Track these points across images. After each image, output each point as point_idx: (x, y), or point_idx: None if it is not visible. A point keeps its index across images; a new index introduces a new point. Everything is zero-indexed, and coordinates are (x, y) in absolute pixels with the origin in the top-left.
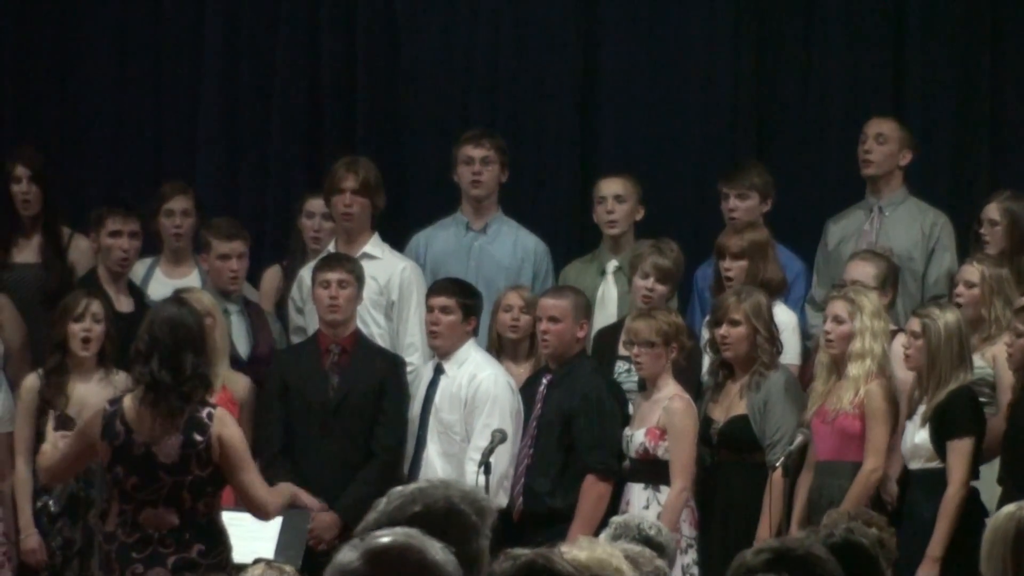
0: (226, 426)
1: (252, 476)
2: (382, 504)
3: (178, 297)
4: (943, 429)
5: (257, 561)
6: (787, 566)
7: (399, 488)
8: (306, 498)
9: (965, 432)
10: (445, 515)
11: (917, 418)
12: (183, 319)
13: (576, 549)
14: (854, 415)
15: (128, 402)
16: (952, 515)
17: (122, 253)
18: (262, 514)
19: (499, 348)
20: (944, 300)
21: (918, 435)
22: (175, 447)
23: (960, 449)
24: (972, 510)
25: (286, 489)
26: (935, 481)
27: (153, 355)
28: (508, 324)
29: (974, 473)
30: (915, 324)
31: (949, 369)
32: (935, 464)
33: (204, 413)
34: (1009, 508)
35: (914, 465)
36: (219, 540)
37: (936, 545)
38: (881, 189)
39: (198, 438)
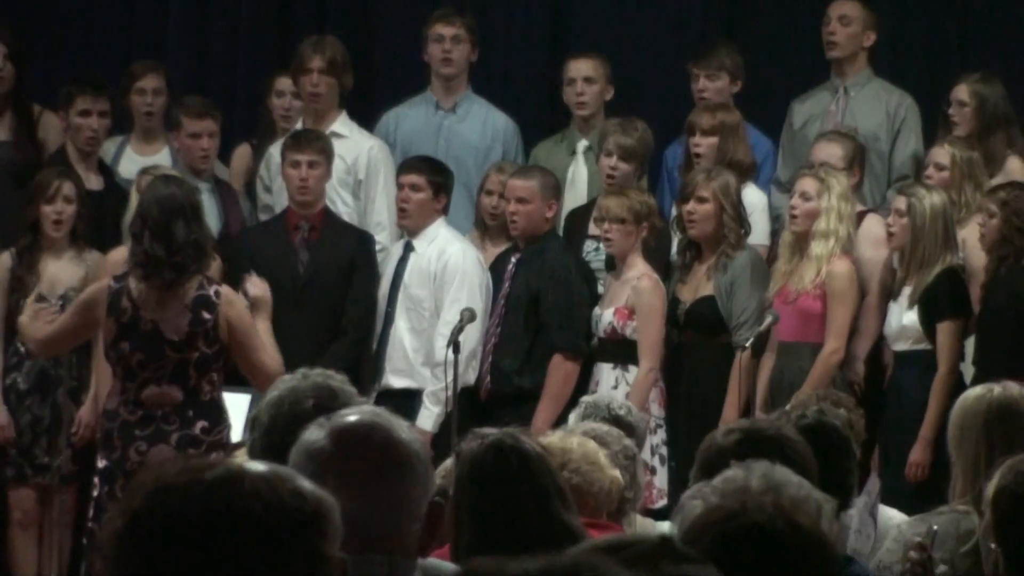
0: (233, 306)
1: (260, 354)
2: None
3: (165, 174)
4: (931, 311)
5: (239, 445)
6: (757, 447)
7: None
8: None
9: (953, 314)
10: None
11: (903, 300)
12: (171, 192)
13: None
14: (815, 295)
15: (133, 280)
16: (943, 396)
17: (91, 132)
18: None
19: (483, 226)
20: (911, 180)
21: (905, 316)
22: (183, 324)
23: (949, 330)
24: (960, 391)
25: (259, 314)
26: (923, 362)
27: (144, 232)
28: (488, 210)
29: (962, 354)
30: (900, 202)
31: (934, 250)
32: (922, 346)
33: (212, 291)
34: (977, 390)
35: (900, 347)
36: (221, 418)
37: (929, 427)
38: (846, 70)
39: (206, 316)
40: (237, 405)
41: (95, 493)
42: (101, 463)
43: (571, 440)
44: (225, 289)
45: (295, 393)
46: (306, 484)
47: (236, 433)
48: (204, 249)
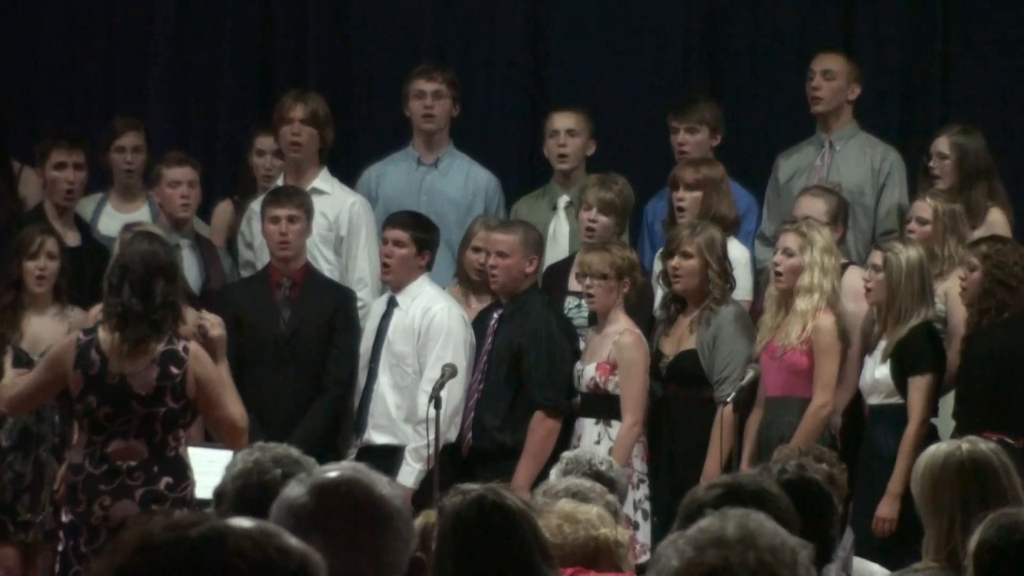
0: (201, 362)
1: (227, 409)
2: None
3: (148, 232)
4: (904, 365)
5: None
6: (739, 502)
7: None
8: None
9: (926, 368)
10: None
11: (877, 353)
12: (154, 250)
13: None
14: (802, 351)
15: (103, 333)
16: (913, 451)
17: (67, 185)
18: (237, 441)
19: (468, 281)
20: (896, 234)
21: (878, 370)
22: (150, 378)
23: (920, 385)
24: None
25: (219, 355)
26: (895, 417)
27: (124, 285)
28: (475, 267)
29: (934, 409)
30: (877, 257)
31: (910, 304)
32: (895, 400)
33: (181, 347)
34: (943, 447)
35: (873, 400)
36: (185, 474)
37: (896, 482)
38: (831, 124)
39: (174, 371)
40: (221, 460)
41: (60, 548)
42: (66, 517)
43: (566, 506)
44: (194, 345)
45: (260, 464)
46: (292, 540)
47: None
48: (178, 310)
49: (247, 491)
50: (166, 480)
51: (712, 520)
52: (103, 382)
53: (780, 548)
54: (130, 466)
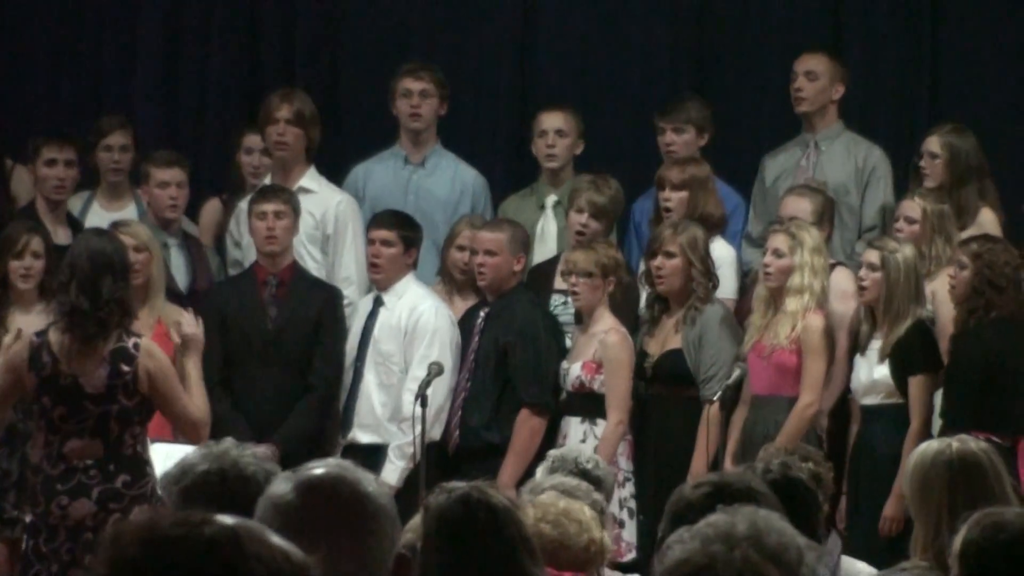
0: (153, 358)
1: (183, 403)
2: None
3: (99, 228)
4: (904, 365)
5: None
6: (726, 500)
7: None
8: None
9: (925, 367)
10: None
11: (871, 353)
12: (101, 247)
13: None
14: (790, 350)
15: (53, 334)
16: None
17: (58, 181)
18: (196, 436)
19: (451, 280)
20: (878, 231)
21: (876, 371)
22: (101, 377)
23: (921, 384)
24: None
25: (190, 353)
26: (893, 416)
27: (72, 283)
28: (459, 266)
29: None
30: (873, 256)
31: (906, 304)
32: (893, 400)
33: (131, 344)
34: (934, 445)
35: (869, 401)
36: (144, 471)
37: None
38: (816, 124)
39: (124, 368)
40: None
41: (23, 547)
42: (28, 517)
43: (559, 500)
44: (144, 341)
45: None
46: (285, 543)
47: None
48: (128, 307)
49: (210, 476)
50: (123, 478)
51: (722, 516)
52: (56, 383)
53: (787, 547)
54: (86, 465)
